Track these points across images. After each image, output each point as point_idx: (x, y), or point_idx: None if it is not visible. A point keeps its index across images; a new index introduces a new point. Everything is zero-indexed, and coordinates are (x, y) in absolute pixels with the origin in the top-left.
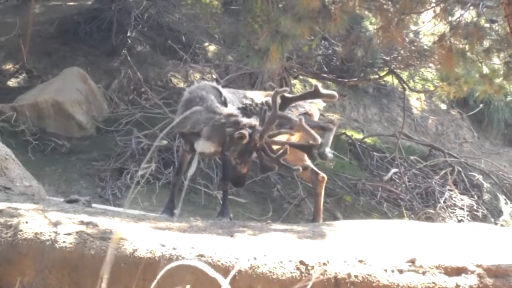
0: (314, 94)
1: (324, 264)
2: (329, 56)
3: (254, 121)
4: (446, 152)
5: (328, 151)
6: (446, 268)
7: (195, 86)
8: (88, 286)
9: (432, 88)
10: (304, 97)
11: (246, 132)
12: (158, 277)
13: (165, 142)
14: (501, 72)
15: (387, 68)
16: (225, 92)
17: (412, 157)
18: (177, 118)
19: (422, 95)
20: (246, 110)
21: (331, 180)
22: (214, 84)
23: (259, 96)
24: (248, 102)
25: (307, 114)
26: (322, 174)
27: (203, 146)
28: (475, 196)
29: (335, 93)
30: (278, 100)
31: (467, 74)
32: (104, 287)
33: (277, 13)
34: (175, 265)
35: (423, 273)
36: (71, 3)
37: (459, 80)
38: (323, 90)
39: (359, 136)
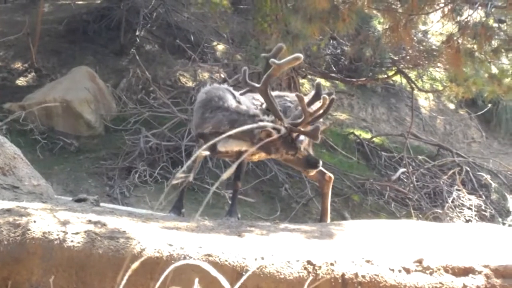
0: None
1: (331, 264)
2: (338, 56)
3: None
4: (454, 152)
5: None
6: (453, 268)
7: (210, 87)
8: (96, 285)
9: (440, 88)
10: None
11: (270, 129)
12: (163, 276)
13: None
14: (510, 72)
15: (396, 67)
16: (237, 93)
17: (420, 157)
18: (197, 119)
19: (430, 95)
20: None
21: (339, 180)
22: (226, 86)
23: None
24: (258, 103)
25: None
26: (329, 174)
27: (232, 145)
28: (483, 196)
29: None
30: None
31: (475, 74)
32: None
33: (286, 13)
34: (182, 265)
35: (430, 273)
36: (80, 2)
37: (467, 80)
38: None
39: (367, 135)
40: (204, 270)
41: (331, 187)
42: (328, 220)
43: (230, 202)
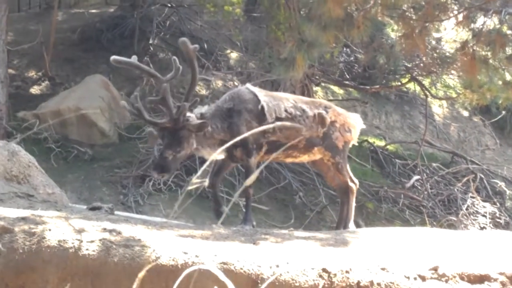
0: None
1: (346, 271)
2: (351, 63)
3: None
4: (469, 159)
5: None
6: (469, 275)
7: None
8: None
9: (454, 95)
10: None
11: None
12: (177, 282)
13: (222, 156)
14: None
15: (409, 75)
16: (265, 98)
17: (434, 164)
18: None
19: (444, 102)
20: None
21: None
22: (252, 88)
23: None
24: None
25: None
26: (353, 186)
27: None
28: (498, 203)
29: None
30: None
31: (489, 81)
32: None
33: (300, 21)
34: (198, 273)
35: (446, 280)
36: (93, 11)
37: (482, 87)
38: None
39: (381, 143)
40: (219, 278)
41: (352, 198)
42: (350, 225)
43: (244, 210)
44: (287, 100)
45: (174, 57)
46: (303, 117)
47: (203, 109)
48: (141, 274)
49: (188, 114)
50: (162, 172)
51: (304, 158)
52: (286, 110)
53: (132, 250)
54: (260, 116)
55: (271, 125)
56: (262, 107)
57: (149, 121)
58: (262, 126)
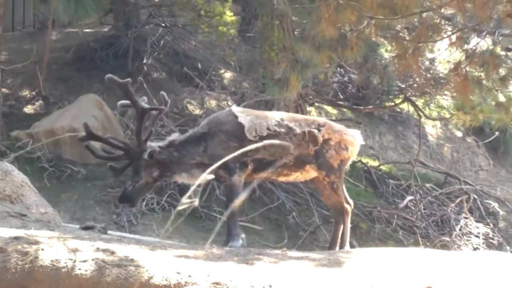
0: None
1: None
2: (345, 83)
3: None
4: (462, 179)
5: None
6: None
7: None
8: None
9: (447, 116)
10: None
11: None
12: None
13: (212, 176)
14: None
15: (403, 95)
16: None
17: (427, 185)
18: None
19: (437, 123)
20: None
21: None
22: (234, 109)
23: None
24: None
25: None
26: (347, 207)
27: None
28: (491, 224)
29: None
30: None
31: (483, 102)
32: None
33: (294, 41)
34: None
35: None
36: (87, 30)
37: (475, 108)
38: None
39: (375, 163)
40: None
41: (347, 219)
42: (346, 246)
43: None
44: (272, 119)
45: (163, 92)
46: (289, 135)
47: (174, 136)
48: None
49: (150, 144)
50: (123, 202)
51: (297, 176)
52: (268, 128)
53: (125, 270)
54: (239, 135)
55: (259, 144)
56: (242, 127)
57: (102, 157)
58: (243, 144)
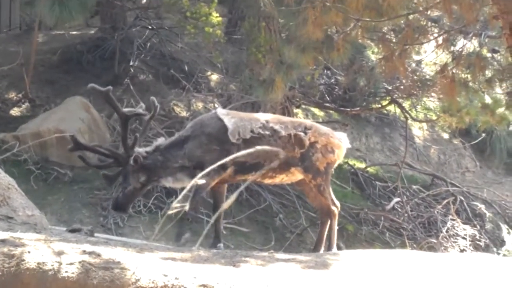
0: None
1: None
2: (332, 85)
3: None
4: (449, 181)
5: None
6: None
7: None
8: None
9: (434, 118)
10: None
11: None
12: None
13: (203, 181)
14: (503, 102)
15: (389, 97)
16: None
17: (414, 187)
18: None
19: (424, 124)
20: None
21: None
22: (219, 111)
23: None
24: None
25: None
26: (334, 209)
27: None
28: (478, 226)
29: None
30: None
31: (469, 104)
32: None
33: (280, 43)
34: None
35: None
36: (74, 32)
37: (461, 110)
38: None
39: (362, 165)
40: None
41: (334, 221)
42: (334, 248)
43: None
44: (257, 121)
45: (152, 97)
46: (273, 137)
47: (160, 140)
48: None
49: (137, 149)
50: (116, 209)
51: (283, 178)
52: (252, 131)
53: (111, 272)
54: (222, 138)
55: (251, 150)
56: (225, 129)
57: (94, 166)
58: (225, 147)
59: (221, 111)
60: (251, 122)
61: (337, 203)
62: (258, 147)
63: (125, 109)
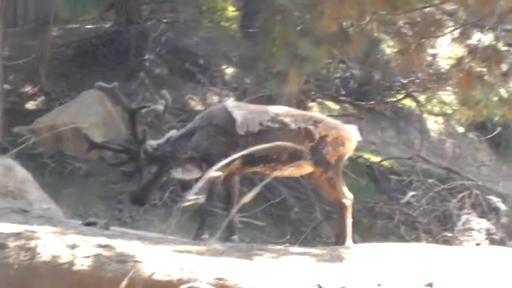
0: None
1: (342, 287)
2: (347, 79)
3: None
4: (464, 175)
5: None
6: None
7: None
8: None
9: (449, 111)
10: None
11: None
12: None
13: (219, 173)
14: None
15: (405, 91)
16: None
17: (429, 180)
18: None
19: (439, 118)
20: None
21: None
22: (229, 104)
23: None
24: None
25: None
26: (346, 202)
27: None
28: (493, 220)
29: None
30: None
31: (485, 98)
32: None
33: (295, 36)
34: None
35: None
36: (89, 26)
37: (478, 104)
38: None
39: (377, 159)
40: None
41: (347, 213)
42: (348, 241)
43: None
44: (266, 114)
45: (164, 91)
46: (282, 130)
47: (171, 132)
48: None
49: (149, 142)
50: (134, 203)
51: (292, 171)
52: (261, 124)
53: (126, 265)
54: (229, 130)
55: (265, 146)
56: (233, 121)
57: (113, 164)
58: (232, 139)
59: (230, 103)
60: (260, 114)
61: (350, 195)
62: (278, 143)
63: (132, 104)
